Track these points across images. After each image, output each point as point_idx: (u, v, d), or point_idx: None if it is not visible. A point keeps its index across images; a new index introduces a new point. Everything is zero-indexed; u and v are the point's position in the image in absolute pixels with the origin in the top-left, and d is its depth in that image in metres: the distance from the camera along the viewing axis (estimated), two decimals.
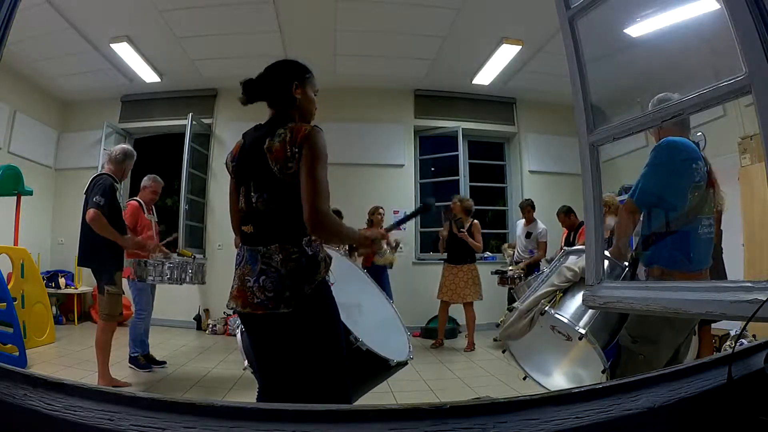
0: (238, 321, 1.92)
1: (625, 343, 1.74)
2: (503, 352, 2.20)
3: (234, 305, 1.42)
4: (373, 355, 1.64)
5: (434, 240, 4.93)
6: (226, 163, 1.55)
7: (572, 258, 2.15)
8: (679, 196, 1.68)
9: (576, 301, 1.94)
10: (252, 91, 1.48)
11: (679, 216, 1.70)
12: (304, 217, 1.31)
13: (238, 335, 1.88)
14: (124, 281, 3.20)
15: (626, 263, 1.85)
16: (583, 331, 1.79)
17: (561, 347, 1.97)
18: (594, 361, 1.81)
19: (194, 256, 3.44)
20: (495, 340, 4.42)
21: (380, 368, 1.72)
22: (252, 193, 1.40)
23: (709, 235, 1.70)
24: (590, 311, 1.87)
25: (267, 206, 1.38)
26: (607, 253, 1.94)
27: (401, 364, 1.76)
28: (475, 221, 4.65)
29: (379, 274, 4.65)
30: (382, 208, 4.76)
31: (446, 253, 4.67)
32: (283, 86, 1.47)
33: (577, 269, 2.01)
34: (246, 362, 1.81)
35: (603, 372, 1.77)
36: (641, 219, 1.80)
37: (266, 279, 1.33)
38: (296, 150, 1.33)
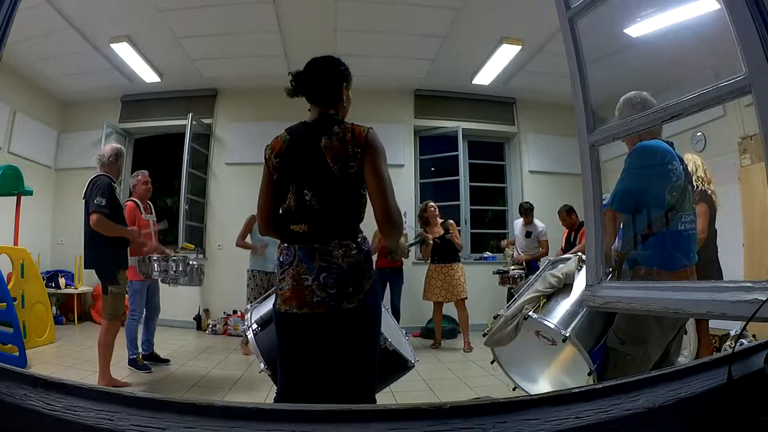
0: (246, 324, 1.85)
1: (613, 345, 1.74)
2: (492, 363, 2.20)
3: (287, 307, 1.37)
4: (396, 355, 1.65)
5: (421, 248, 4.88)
6: (267, 159, 1.46)
7: (559, 266, 2.15)
8: (658, 198, 1.69)
9: (560, 306, 1.95)
10: (303, 84, 1.46)
11: (659, 217, 1.71)
12: (378, 214, 1.34)
13: (251, 335, 1.79)
14: None
15: (610, 268, 1.85)
16: (567, 333, 1.79)
17: (547, 353, 1.97)
18: (580, 365, 1.80)
19: (197, 248, 3.44)
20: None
21: (398, 368, 1.73)
22: (305, 191, 1.38)
23: (691, 231, 1.71)
24: (574, 315, 1.87)
25: (323, 204, 1.36)
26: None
27: (412, 366, 1.77)
28: (450, 221, 4.69)
29: (394, 277, 4.67)
30: (432, 202, 4.76)
31: (431, 256, 4.64)
32: (334, 85, 1.47)
33: (561, 275, 2.01)
34: (263, 364, 1.71)
35: (589, 374, 1.76)
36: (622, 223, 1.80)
37: (327, 276, 1.33)
38: (359, 150, 1.34)
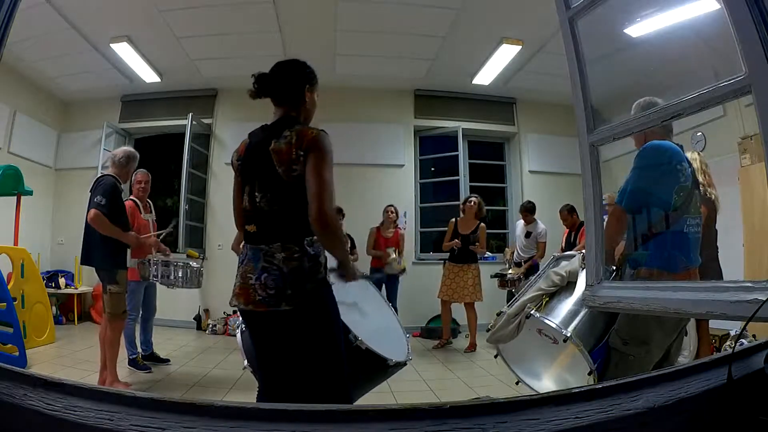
0: (239, 320, 1.93)
1: (615, 345, 1.74)
2: (495, 357, 2.21)
3: (236, 302, 1.44)
4: (372, 354, 1.64)
5: (435, 239, 4.94)
6: (232, 162, 1.56)
7: (562, 263, 2.15)
8: (666, 198, 1.69)
9: (563, 305, 1.95)
10: (265, 85, 1.49)
11: (666, 217, 1.71)
12: (310, 217, 1.33)
13: (238, 335, 1.88)
14: None
15: (613, 267, 1.85)
16: (568, 333, 1.79)
17: (550, 351, 1.97)
18: (581, 364, 1.81)
19: (202, 256, 3.42)
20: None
21: (379, 368, 1.73)
22: (256, 193, 1.42)
23: (696, 234, 1.71)
24: (576, 315, 1.87)
25: (270, 206, 1.40)
26: None
27: (400, 365, 1.77)
28: (482, 224, 4.64)
29: (389, 281, 4.67)
30: (392, 206, 4.78)
31: (449, 253, 4.66)
32: (296, 86, 1.49)
33: (564, 273, 2.01)
34: (246, 362, 1.82)
35: (589, 374, 1.77)
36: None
37: (268, 276, 1.35)
38: (302, 153, 1.35)
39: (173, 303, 4.81)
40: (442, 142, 6.11)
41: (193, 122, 5.45)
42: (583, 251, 2.11)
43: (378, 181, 5.78)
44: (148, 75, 5.34)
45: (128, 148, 3.22)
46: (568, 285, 2.00)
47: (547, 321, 1.88)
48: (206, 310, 5.39)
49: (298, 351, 1.38)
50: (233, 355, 4.03)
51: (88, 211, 2.85)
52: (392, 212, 4.78)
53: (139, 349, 3.44)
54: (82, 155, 5.66)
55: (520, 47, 4.73)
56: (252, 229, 1.43)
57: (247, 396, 2.85)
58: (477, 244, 4.53)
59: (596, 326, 1.86)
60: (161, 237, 3.47)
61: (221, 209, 5.55)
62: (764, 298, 0.81)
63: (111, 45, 4.65)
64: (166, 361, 3.57)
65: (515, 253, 5.04)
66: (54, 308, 4.72)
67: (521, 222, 5.05)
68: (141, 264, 3.19)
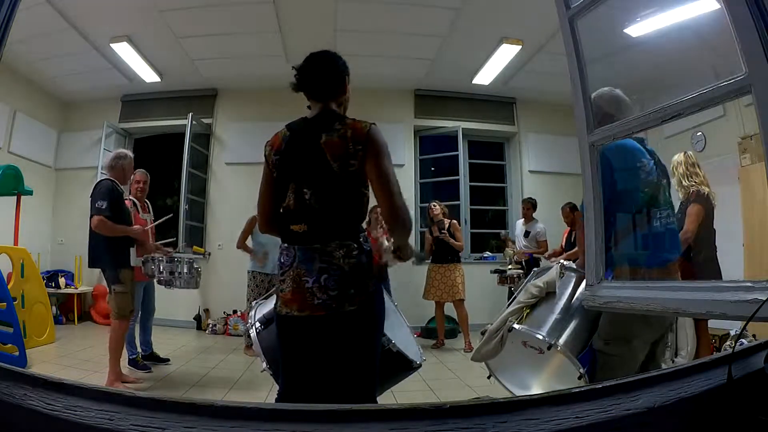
0: (251, 322, 1.81)
1: (598, 346, 1.74)
2: (489, 378, 2.19)
3: (287, 310, 1.34)
4: (400, 356, 1.63)
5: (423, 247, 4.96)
6: (266, 156, 1.44)
7: (542, 276, 2.15)
8: (630, 196, 1.69)
9: (545, 315, 1.94)
10: (309, 78, 1.41)
11: (636, 216, 1.71)
12: (383, 212, 1.33)
13: (253, 334, 1.80)
14: None
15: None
16: (551, 340, 1.78)
17: (538, 362, 1.96)
18: (571, 370, 1.80)
19: (209, 253, 3.43)
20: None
21: (402, 369, 1.72)
22: (305, 189, 1.34)
23: (669, 225, 1.71)
24: (559, 323, 1.87)
25: (323, 203, 1.32)
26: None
27: (419, 366, 1.77)
28: (453, 221, 4.69)
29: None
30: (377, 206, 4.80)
31: (432, 255, 4.69)
32: (340, 78, 1.44)
33: (542, 284, 2.01)
34: (265, 363, 1.75)
35: (579, 378, 1.76)
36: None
37: (328, 278, 1.29)
38: (360, 147, 1.30)
39: (173, 303, 4.81)
40: (442, 142, 6.11)
41: (193, 122, 5.45)
42: (562, 261, 2.11)
43: None
44: (148, 75, 5.34)
45: (117, 150, 3.27)
46: (548, 295, 2.00)
47: (529, 331, 1.88)
48: (206, 310, 5.39)
49: (352, 352, 1.32)
50: (233, 355, 4.04)
51: (91, 217, 2.86)
52: (378, 213, 4.80)
53: (139, 349, 3.44)
54: (82, 155, 5.66)
55: (520, 47, 4.73)
56: (301, 229, 1.33)
57: (248, 396, 2.86)
58: (443, 231, 4.54)
59: (581, 333, 1.85)
60: (154, 229, 3.49)
61: (221, 209, 5.56)
62: (764, 298, 0.81)
63: (111, 45, 4.65)
64: (166, 361, 3.57)
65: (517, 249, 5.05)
66: (54, 308, 4.72)
67: (520, 221, 5.06)
68: (145, 262, 3.19)
